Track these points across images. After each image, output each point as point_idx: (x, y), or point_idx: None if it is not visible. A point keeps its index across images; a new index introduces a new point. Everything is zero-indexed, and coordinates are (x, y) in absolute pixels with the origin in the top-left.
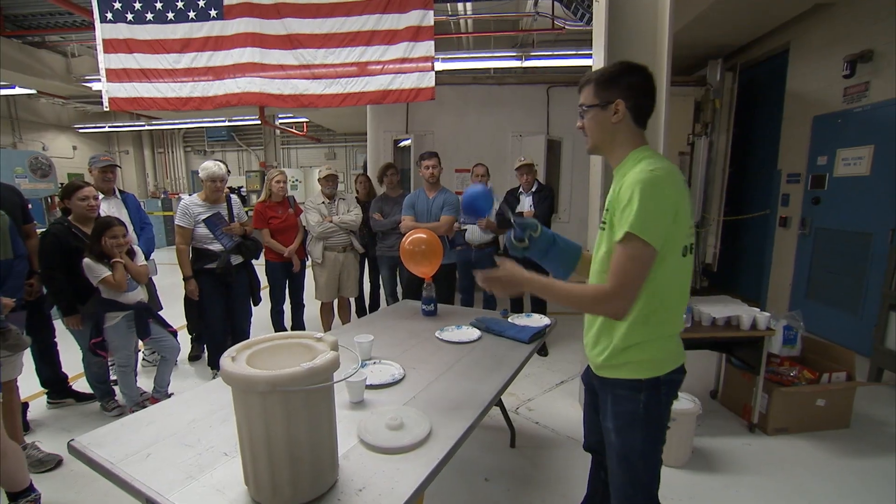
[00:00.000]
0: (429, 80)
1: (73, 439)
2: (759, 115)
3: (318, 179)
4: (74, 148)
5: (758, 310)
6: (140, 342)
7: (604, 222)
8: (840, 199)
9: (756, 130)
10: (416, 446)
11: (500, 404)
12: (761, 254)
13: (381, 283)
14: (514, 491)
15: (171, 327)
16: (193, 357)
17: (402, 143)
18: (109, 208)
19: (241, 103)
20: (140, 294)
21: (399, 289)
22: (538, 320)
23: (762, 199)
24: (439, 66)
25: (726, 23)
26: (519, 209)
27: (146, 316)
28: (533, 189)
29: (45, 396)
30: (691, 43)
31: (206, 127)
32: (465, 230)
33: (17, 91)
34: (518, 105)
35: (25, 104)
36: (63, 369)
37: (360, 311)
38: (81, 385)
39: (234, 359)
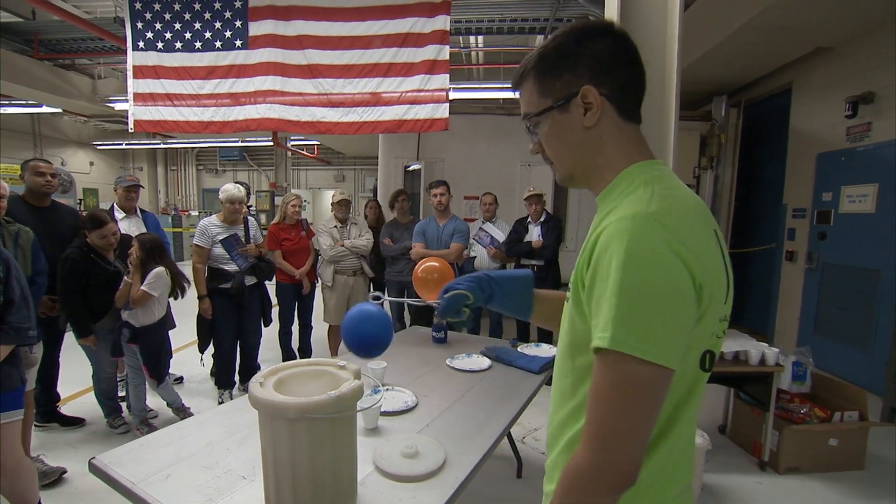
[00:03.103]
0: (443, 112)
1: (94, 457)
2: (763, 151)
3: (332, 204)
4: (91, 164)
5: (766, 345)
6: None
7: (568, 288)
8: (846, 235)
9: (761, 165)
10: (431, 475)
11: (508, 433)
12: (768, 287)
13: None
14: None
15: (149, 363)
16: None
17: (412, 168)
18: (130, 227)
19: (259, 128)
20: (126, 315)
21: (406, 314)
22: (547, 350)
23: (768, 232)
24: (450, 95)
25: (730, 62)
26: (528, 238)
27: (122, 337)
28: (542, 219)
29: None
30: (696, 80)
31: (219, 147)
32: (474, 258)
33: (44, 109)
34: (527, 136)
35: (48, 121)
36: (58, 388)
37: None
38: (71, 408)
39: (262, 384)
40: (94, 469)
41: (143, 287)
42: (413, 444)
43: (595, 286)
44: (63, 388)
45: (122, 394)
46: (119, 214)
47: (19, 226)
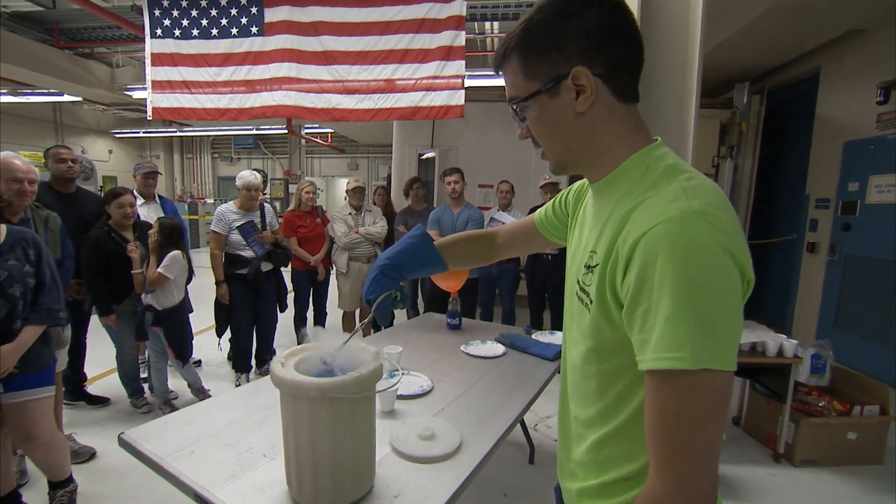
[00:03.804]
0: (458, 99)
1: (122, 432)
2: (786, 139)
3: (346, 191)
4: (110, 152)
5: (784, 336)
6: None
7: (583, 290)
8: (872, 227)
9: (784, 154)
10: (447, 457)
11: (521, 420)
12: (788, 279)
13: None
14: None
15: (173, 345)
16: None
17: (426, 156)
18: (149, 212)
19: (275, 115)
20: (148, 299)
21: (420, 301)
22: (561, 338)
23: (789, 223)
24: (466, 82)
25: (754, 48)
26: None
27: (145, 321)
28: None
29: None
30: (717, 66)
31: (234, 135)
32: None
33: (65, 98)
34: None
35: (69, 110)
36: (85, 369)
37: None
38: (96, 388)
39: (284, 364)
40: (123, 443)
41: (159, 269)
42: (429, 427)
43: (640, 298)
44: (89, 368)
45: (143, 375)
46: (138, 201)
47: (48, 211)
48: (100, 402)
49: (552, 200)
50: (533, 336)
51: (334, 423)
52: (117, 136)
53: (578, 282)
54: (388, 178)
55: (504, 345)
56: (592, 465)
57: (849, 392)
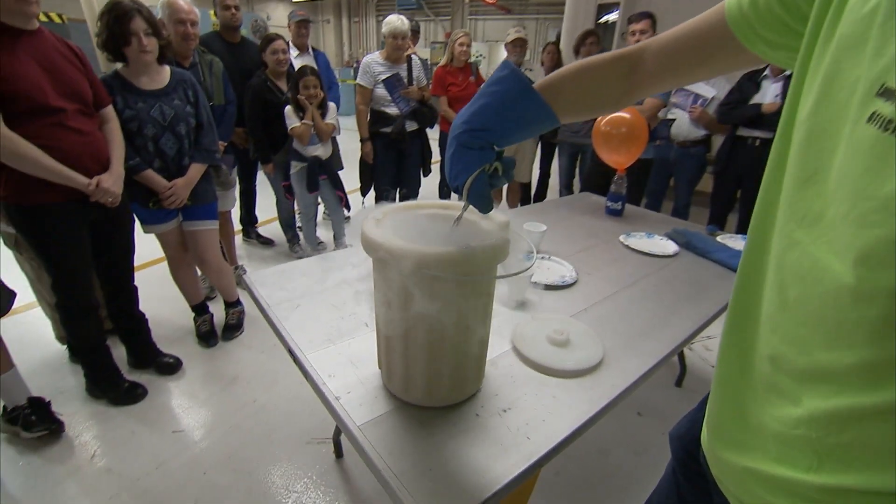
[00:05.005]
0: None
1: (245, 273)
2: None
3: (505, 44)
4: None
5: None
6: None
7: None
8: None
9: None
10: (581, 373)
11: None
12: None
13: (553, 172)
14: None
15: (341, 191)
16: None
17: (607, 17)
18: (302, 64)
19: None
20: (318, 150)
21: (577, 180)
22: None
23: None
24: None
25: None
26: (757, 100)
27: (318, 171)
28: (786, 72)
29: (241, 234)
30: None
31: None
32: (672, 122)
33: None
34: None
35: None
36: (256, 212)
37: (525, 200)
38: (265, 231)
39: (380, 221)
40: (241, 282)
41: (328, 120)
42: (564, 330)
43: None
44: (262, 213)
45: (299, 224)
46: (293, 52)
47: (212, 56)
48: (267, 242)
49: None
50: (718, 238)
51: (433, 308)
52: (295, 0)
53: (876, 117)
54: (558, 37)
55: (677, 243)
56: (814, 448)
57: None
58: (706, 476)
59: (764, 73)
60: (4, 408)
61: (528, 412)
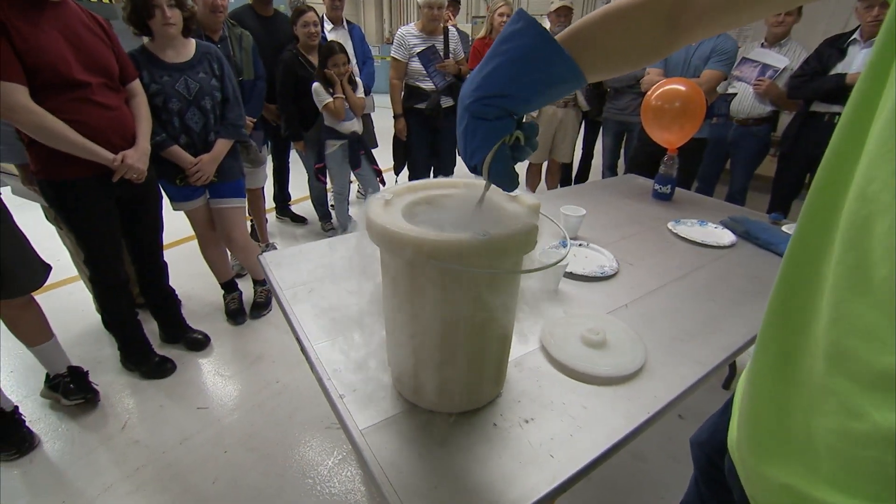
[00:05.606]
0: None
1: (262, 253)
2: None
3: (548, 14)
4: None
5: None
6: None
7: None
8: None
9: None
10: (618, 380)
11: None
12: None
13: (596, 153)
14: None
15: (377, 165)
16: None
17: None
18: (337, 38)
19: None
20: (355, 125)
21: (621, 162)
22: None
23: None
24: None
25: None
26: (841, 69)
27: (358, 147)
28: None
29: (275, 211)
30: None
31: None
32: (733, 96)
33: None
34: None
35: None
36: (289, 190)
37: (565, 181)
38: (298, 209)
39: (390, 202)
40: (259, 263)
41: (361, 95)
42: (601, 329)
43: None
44: (295, 191)
45: (331, 203)
46: (328, 26)
47: (241, 30)
48: (299, 220)
49: None
50: (783, 228)
51: (444, 301)
52: None
53: None
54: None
55: (735, 232)
56: (886, 474)
57: None
58: (730, 487)
59: (852, 38)
60: (48, 375)
61: (553, 424)
